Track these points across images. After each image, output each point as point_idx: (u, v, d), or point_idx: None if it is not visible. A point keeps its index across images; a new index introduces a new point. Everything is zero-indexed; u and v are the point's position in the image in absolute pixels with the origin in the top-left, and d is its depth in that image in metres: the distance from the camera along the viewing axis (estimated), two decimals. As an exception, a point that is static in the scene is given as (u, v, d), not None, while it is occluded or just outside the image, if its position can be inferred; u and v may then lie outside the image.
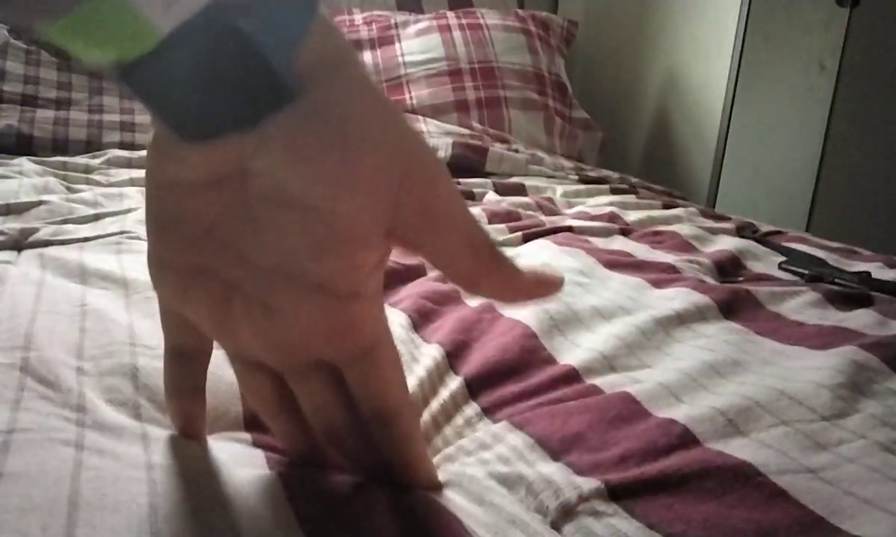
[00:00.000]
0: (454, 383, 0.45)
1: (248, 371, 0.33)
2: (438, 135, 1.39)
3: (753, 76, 1.56)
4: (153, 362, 0.41)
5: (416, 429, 0.33)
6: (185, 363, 0.34)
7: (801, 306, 0.63)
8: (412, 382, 0.46)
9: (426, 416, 0.44)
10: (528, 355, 0.48)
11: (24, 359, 0.39)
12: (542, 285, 0.32)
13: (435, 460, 0.39)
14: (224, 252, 0.30)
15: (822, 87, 1.60)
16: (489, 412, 0.43)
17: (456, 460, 0.39)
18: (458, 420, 0.43)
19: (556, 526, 0.31)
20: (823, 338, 0.53)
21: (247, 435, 0.38)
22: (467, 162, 1.27)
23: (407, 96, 1.52)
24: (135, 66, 0.25)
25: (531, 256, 0.71)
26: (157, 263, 0.32)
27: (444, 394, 0.45)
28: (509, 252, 0.74)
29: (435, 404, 0.44)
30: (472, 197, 1.08)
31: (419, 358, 0.49)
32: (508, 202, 1.04)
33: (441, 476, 0.36)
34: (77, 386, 0.38)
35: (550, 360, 0.48)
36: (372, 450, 0.33)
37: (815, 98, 1.61)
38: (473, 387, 0.45)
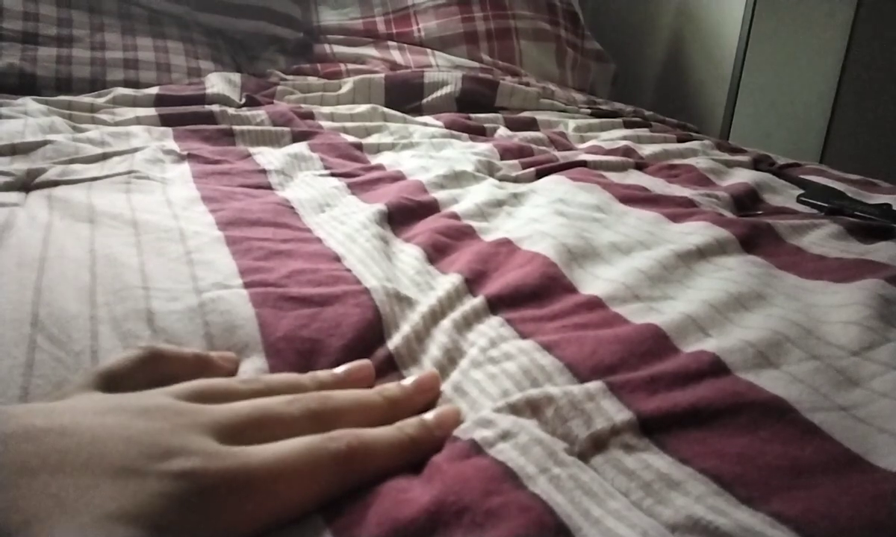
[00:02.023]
0: (475, 301, 0.45)
1: None
2: (447, 69, 1.35)
3: (770, 4, 1.51)
4: (168, 305, 0.41)
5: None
6: None
7: (822, 239, 0.61)
8: (428, 303, 0.44)
9: (447, 323, 0.43)
10: (550, 282, 0.48)
11: (33, 315, 0.38)
12: None
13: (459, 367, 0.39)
14: None
15: (843, 14, 1.54)
16: (513, 323, 0.42)
17: (480, 367, 0.38)
18: (481, 326, 0.42)
19: (583, 456, 0.31)
20: (846, 272, 0.52)
21: (262, 361, 0.38)
22: (477, 96, 1.24)
23: (415, 28, 1.48)
24: None
25: (546, 192, 0.70)
26: None
27: (465, 307, 0.44)
28: (523, 188, 0.73)
29: (456, 314, 0.44)
30: (482, 132, 1.06)
31: (436, 286, 0.48)
32: (520, 137, 1.02)
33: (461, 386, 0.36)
34: (91, 340, 0.37)
35: (571, 289, 0.48)
36: None
37: (835, 25, 1.55)
38: (495, 305, 0.44)
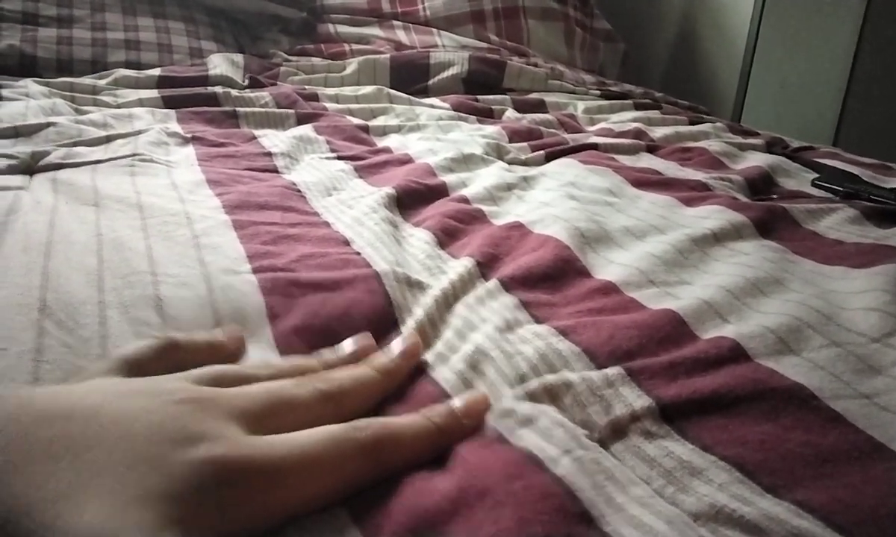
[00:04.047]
0: (489, 284, 0.44)
1: None
2: (454, 49, 1.34)
3: (783, -16, 1.49)
4: (177, 291, 0.40)
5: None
6: None
7: (839, 224, 0.60)
8: (441, 287, 0.43)
9: (461, 308, 0.42)
10: (564, 264, 0.47)
11: (41, 300, 0.38)
12: None
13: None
14: None
15: (855, -5, 1.52)
16: (528, 306, 0.42)
17: (497, 347, 0.37)
18: (495, 304, 0.42)
19: (603, 443, 0.30)
20: (864, 257, 0.51)
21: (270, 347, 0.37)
22: (484, 77, 1.22)
23: (420, 7, 1.46)
24: None
25: (557, 176, 0.69)
26: None
27: (478, 291, 0.43)
28: (533, 171, 0.72)
29: (469, 297, 0.43)
30: (490, 114, 1.05)
31: (447, 270, 0.47)
32: (529, 119, 1.00)
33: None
34: (99, 326, 0.36)
35: (585, 273, 0.47)
36: None
37: (848, 6, 1.53)
38: (508, 286, 0.44)
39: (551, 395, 0.33)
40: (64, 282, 0.40)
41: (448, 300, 0.42)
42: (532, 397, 0.33)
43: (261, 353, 0.35)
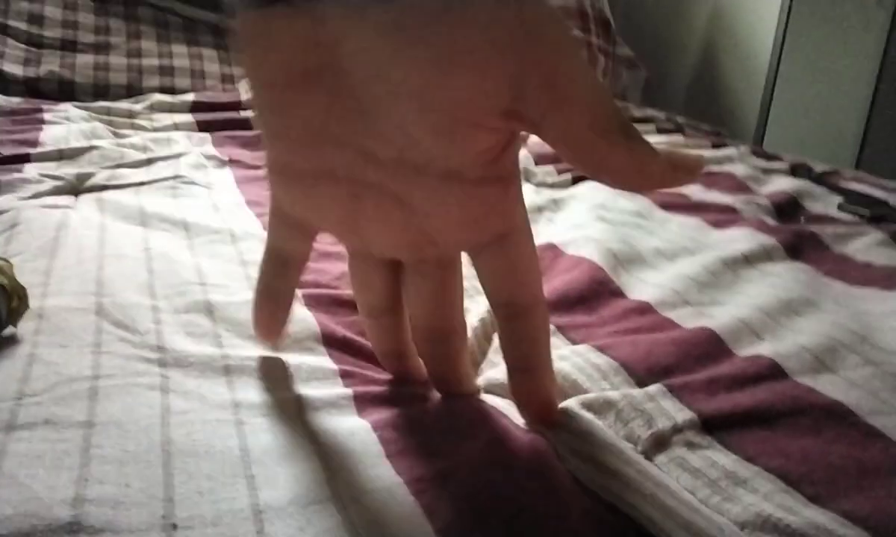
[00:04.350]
0: None
1: (366, 268, 0.33)
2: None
3: (806, 10, 1.50)
4: (228, 298, 0.42)
5: (545, 330, 0.32)
6: (282, 266, 0.34)
7: (867, 247, 0.61)
8: (475, 317, 0.45)
9: (496, 342, 0.43)
10: (598, 286, 0.48)
11: (97, 304, 0.39)
12: (678, 169, 0.27)
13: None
14: (342, 150, 0.28)
15: (879, 21, 1.52)
16: (564, 330, 0.43)
17: None
18: None
19: (647, 455, 0.31)
20: (894, 279, 0.52)
21: (322, 348, 0.38)
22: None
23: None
24: None
25: (586, 198, 0.70)
26: (276, 168, 0.31)
27: None
28: (561, 193, 0.73)
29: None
30: (516, 138, 1.06)
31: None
32: (554, 143, 1.01)
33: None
34: (154, 324, 0.38)
35: (620, 294, 0.48)
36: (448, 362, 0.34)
37: (870, 33, 1.54)
38: None
39: (593, 412, 0.34)
40: (118, 290, 0.41)
41: (486, 330, 0.43)
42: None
43: (315, 360, 0.37)
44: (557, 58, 0.26)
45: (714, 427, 0.32)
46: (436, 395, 0.35)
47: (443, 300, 0.32)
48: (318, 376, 0.35)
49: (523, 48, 0.25)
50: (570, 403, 0.33)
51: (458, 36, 0.25)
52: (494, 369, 0.40)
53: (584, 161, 0.27)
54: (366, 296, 0.35)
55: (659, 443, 0.31)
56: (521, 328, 0.31)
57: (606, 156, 0.26)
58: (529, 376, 0.32)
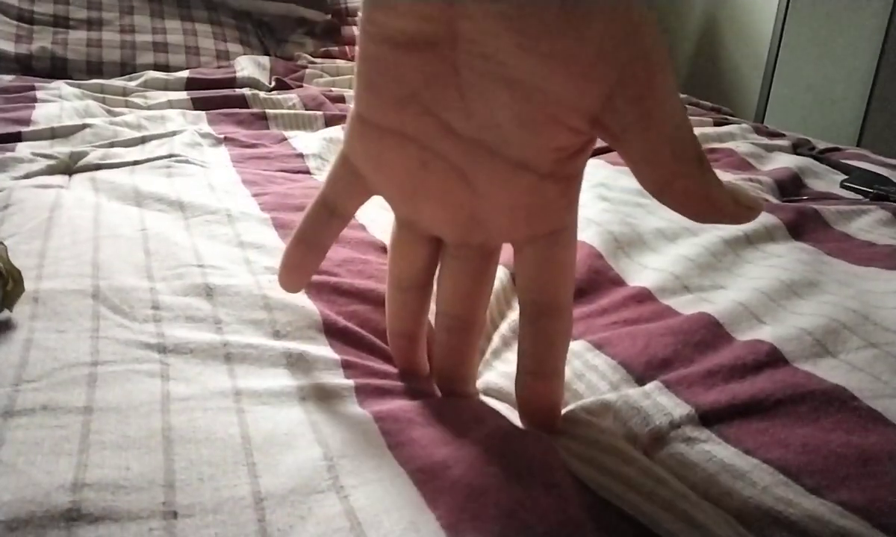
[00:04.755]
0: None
1: (409, 238, 0.34)
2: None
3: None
4: (227, 280, 0.41)
5: (566, 336, 0.32)
6: (329, 215, 0.35)
7: (870, 225, 0.61)
8: None
9: (496, 339, 0.43)
10: (596, 276, 0.47)
11: (94, 287, 0.39)
12: (741, 205, 0.28)
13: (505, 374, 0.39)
14: (427, 118, 0.29)
15: (880, 0, 1.51)
16: None
17: None
18: None
19: (647, 453, 0.31)
20: (897, 259, 0.52)
21: (323, 337, 0.38)
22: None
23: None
24: None
25: (587, 176, 0.69)
26: (358, 121, 0.32)
27: (513, 315, 0.44)
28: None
29: (504, 325, 0.44)
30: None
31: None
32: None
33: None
34: (152, 310, 0.38)
35: (619, 281, 0.47)
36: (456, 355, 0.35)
37: (873, 8, 1.52)
38: None
39: (593, 413, 0.34)
40: (115, 272, 0.41)
41: (486, 330, 0.43)
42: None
43: (315, 348, 0.36)
44: (653, 75, 0.26)
45: (712, 420, 0.32)
46: (437, 392, 0.35)
47: (474, 289, 0.33)
48: (319, 366, 0.35)
49: (625, 60, 0.26)
50: (570, 409, 0.33)
51: (571, 38, 0.25)
52: (491, 372, 0.40)
53: (655, 181, 0.28)
54: (400, 267, 0.35)
55: (657, 440, 0.31)
56: (543, 328, 0.31)
57: (679, 180, 0.27)
58: (540, 380, 0.32)
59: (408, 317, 0.36)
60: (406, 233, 0.34)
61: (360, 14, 0.30)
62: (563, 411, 0.34)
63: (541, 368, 0.32)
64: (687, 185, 0.27)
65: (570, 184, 0.30)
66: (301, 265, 0.36)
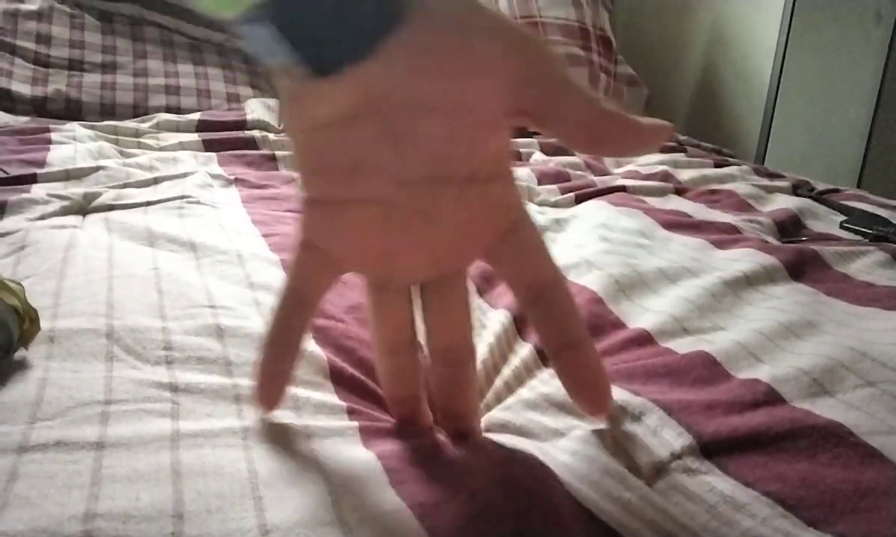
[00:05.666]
0: (524, 350, 0.45)
1: (387, 300, 0.35)
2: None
3: (806, 27, 1.51)
4: (237, 321, 0.42)
5: (573, 304, 0.34)
6: (297, 305, 0.34)
7: (869, 266, 0.61)
8: (482, 349, 0.46)
9: (499, 382, 0.44)
10: (597, 320, 0.48)
11: (108, 326, 0.40)
12: (657, 129, 0.33)
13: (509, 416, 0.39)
14: (377, 178, 0.31)
15: (878, 39, 1.53)
16: None
17: (536, 410, 0.39)
18: (533, 381, 0.43)
19: (647, 482, 0.31)
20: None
21: (330, 384, 0.39)
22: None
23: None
24: (261, 15, 0.28)
25: (588, 217, 0.70)
26: (313, 205, 0.33)
27: (515, 360, 0.45)
28: (564, 213, 0.74)
29: (506, 370, 0.44)
30: (518, 157, 1.07)
31: (487, 324, 0.49)
32: (556, 162, 1.02)
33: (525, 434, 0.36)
34: (164, 351, 0.38)
35: (619, 324, 0.48)
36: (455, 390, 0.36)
37: (871, 50, 1.55)
38: (544, 353, 0.45)
39: (593, 444, 0.34)
40: (128, 312, 0.42)
41: (489, 375, 0.44)
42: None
43: (321, 397, 0.37)
44: (549, 57, 0.32)
45: (712, 452, 0.33)
46: (441, 435, 0.36)
47: (462, 314, 0.35)
48: (325, 410, 0.36)
49: (523, 50, 0.31)
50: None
51: (467, 46, 0.30)
52: (500, 408, 0.40)
53: (588, 140, 0.32)
54: (386, 331, 0.36)
55: (658, 471, 0.32)
56: (548, 303, 0.33)
57: (607, 130, 0.32)
58: (574, 352, 0.33)
59: (408, 379, 0.36)
60: (382, 295, 0.35)
61: (282, 114, 0.32)
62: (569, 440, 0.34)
63: (567, 339, 0.33)
64: (618, 132, 0.32)
65: (508, 179, 0.34)
66: (274, 376, 0.34)
